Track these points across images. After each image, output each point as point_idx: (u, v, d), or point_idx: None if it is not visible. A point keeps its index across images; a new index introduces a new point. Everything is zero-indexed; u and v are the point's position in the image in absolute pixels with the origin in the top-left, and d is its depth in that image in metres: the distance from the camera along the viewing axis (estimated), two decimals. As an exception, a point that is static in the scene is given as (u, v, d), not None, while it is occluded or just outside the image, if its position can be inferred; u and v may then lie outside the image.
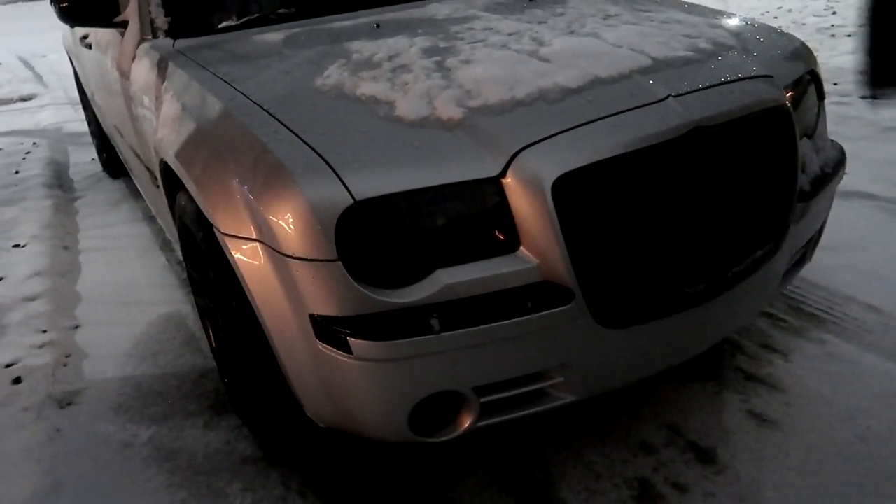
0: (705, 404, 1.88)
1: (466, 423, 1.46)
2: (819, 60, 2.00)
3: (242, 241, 1.42)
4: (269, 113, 1.50)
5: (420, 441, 1.47)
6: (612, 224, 1.40)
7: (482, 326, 1.34)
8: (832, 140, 2.01)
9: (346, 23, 2.05)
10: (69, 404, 2.08)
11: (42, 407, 2.06)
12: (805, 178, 1.75)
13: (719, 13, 2.10)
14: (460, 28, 1.87)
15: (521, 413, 1.50)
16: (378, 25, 1.98)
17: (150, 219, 3.44)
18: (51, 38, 8.76)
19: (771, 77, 1.66)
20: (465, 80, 1.52)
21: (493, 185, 1.35)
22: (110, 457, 1.86)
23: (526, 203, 1.35)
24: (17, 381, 2.17)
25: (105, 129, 3.65)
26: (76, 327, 2.51)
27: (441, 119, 1.43)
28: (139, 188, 3.12)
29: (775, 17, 6.74)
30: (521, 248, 1.38)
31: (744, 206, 1.57)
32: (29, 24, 11.13)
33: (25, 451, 1.88)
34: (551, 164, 1.34)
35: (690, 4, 2.22)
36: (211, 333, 2.03)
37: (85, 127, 4.99)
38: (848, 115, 3.83)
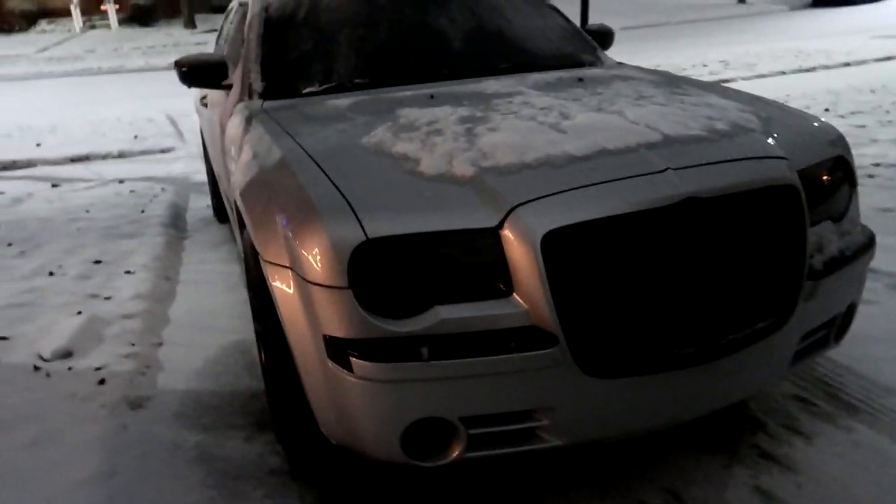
0: (712, 475, 1.89)
1: (455, 451, 1.59)
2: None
3: (279, 268, 1.66)
4: (315, 161, 1.76)
5: (411, 464, 1.60)
6: (597, 280, 1.52)
7: (467, 359, 1.49)
8: (864, 226, 2.02)
9: (408, 93, 2.32)
10: (139, 407, 2.38)
11: (116, 406, 2.36)
12: (820, 258, 1.78)
13: (760, 100, 2.19)
14: (501, 101, 2.09)
15: (508, 450, 1.61)
16: (432, 97, 2.23)
17: (241, 259, 3.83)
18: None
19: (784, 159, 1.73)
20: (484, 145, 1.72)
21: (492, 235, 1.52)
22: (161, 455, 2.11)
23: (519, 254, 1.50)
24: (102, 382, 2.50)
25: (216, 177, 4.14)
26: (160, 344, 2.85)
27: (455, 175, 1.62)
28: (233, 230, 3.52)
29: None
30: (514, 294, 1.53)
31: (743, 277, 1.64)
32: (183, 88, 12.54)
33: (95, 440, 2.17)
34: (542, 220, 1.49)
35: (736, 91, 2.32)
36: (262, 356, 2.27)
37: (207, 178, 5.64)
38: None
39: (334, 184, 1.64)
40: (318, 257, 1.53)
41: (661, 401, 1.63)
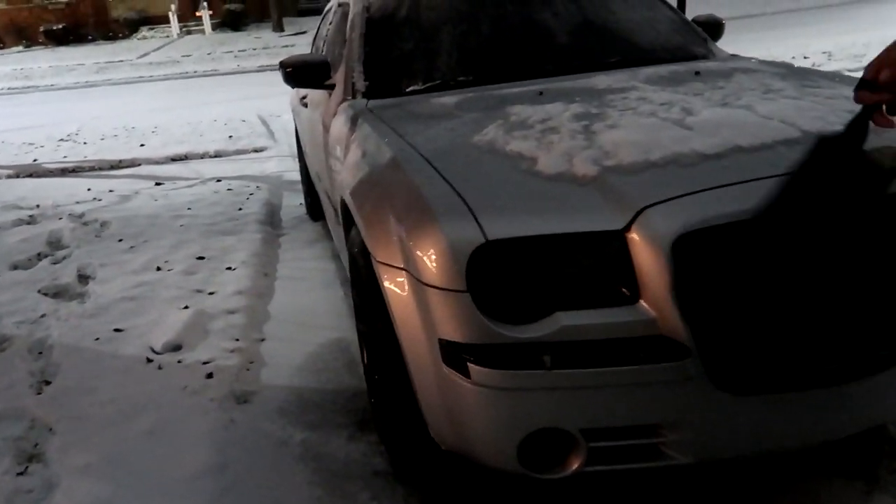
0: (849, 501, 1.74)
1: (574, 465, 1.52)
2: None
3: (392, 269, 1.63)
4: (427, 161, 1.73)
5: (528, 474, 1.54)
6: (732, 289, 1.41)
7: (592, 369, 1.41)
8: None
9: (515, 90, 2.26)
10: (245, 402, 2.42)
11: (224, 400, 2.41)
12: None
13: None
14: (616, 97, 2.00)
15: (630, 466, 1.52)
16: (542, 93, 2.16)
17: (336, 257, 3.87)
18: (287, 101, 10.22)
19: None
20: (605, 142, 1.64)
21: (618, 238, 1.44)
22: (269, 450, 2.14)
23: (647, 259, 1.41)
24: (210, 375, 2.57)
25: (311, 176, 4.21)
26: (262, 340, 2.91)
27: (576, 175, 1.55)
28: (330, 229, 3.56)
29: None
30: (641, 300, 1.44)
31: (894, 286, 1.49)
32: (273, 89, 12.97)
33: (206, 433, 2.23)
34: (674, 222, 1.40)
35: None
36: (364, 355, 2.27)
37: (299, 176, 5.77)
38: None
39: (450, 184, 1.60)
40: (435, 259, 1.49)
41: (798, 421, 1.50)
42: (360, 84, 2.52)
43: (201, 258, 3.85)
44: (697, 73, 2.28)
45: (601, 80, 2.25)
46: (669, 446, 1.50)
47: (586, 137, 1.68)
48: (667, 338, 1.42)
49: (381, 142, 1.95)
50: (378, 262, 1.69)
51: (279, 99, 11.42)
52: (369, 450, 2.12)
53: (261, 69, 17.06)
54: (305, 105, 3.37)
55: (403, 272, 1.60)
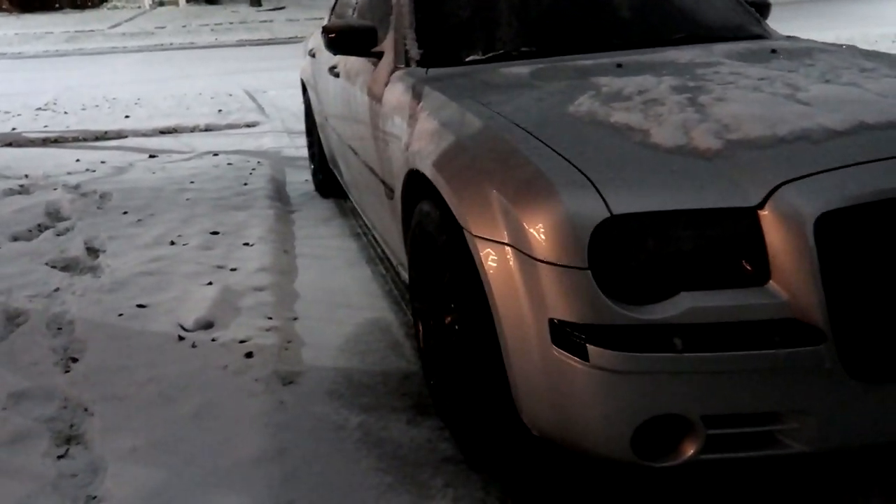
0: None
1: (689, 452, 1.44)
2: None
3: (493, 243, 1.53)
4: (527, 131, 1.63)
5: (639, 463, 1.47)
6: (874, 271, 1.35)
7: (723, 353, 1.34)
8: None
9: (588, 62, 2.16)
10: (290, 383, 2.30)
11: (269, 380, 2.29)
12: None
13: None
14: (706, 71, 1.92)
15: (746, 454, 1.46)
16: (620, 65, 2.07)
17: (357, 235, 3.75)
18: (271, 77, 9.96)
19: None
20: (721, 116, 1.55)
21: (750, 215, 1.36)
22: (327, 434, 2.03)
23: (782, 238, 1.34)
24: (249, 355, 2.44)
25: (328, 152, 4.06)
26: (295, 319, 2.78)
27: (698, 149, 1.47)
28: (358, 205, 3.43)
29: None
30: (771, 281, 1.37)
31: None
32: (255, 64, 12.59)
33: (257, 415, 2.10)
34: (816, 200, 1.33)
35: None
36: (421, 336, 2.17)
37: (299, 152, 5.57)
38: None
39: (561, 154, 1.50)
40: (552, 234, 1.40)
41: (923, 409, 1.45)
42: (415, 52, 2.39)
43: (215, 233, 3.68)
44: (774, 51, 2.21)
45: (679, 54, 2.16)
46: (789, 434, 1.44)
47: (697, 110, 1.60)
48: (800, 322, 1.35)
49: (464, 111, 1.84)
50: (474, 235, 1.58)
51: (264, 74, 11.19)
52: (433, 435, 2.02)
53: (240, 44, 16.61)
54: (336, 75, 3.21)
55: (507, 247, 1.50)
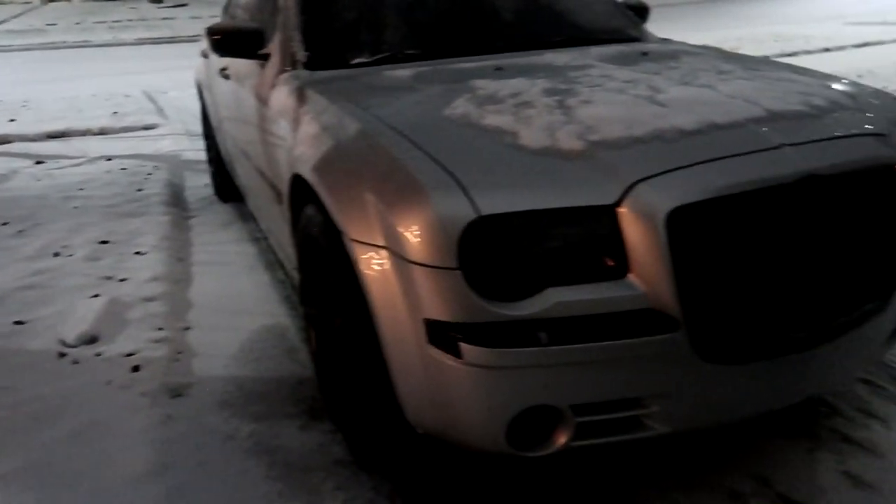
0: (797, 460, 1.85)
1: (561, 440, 1.51)
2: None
3: (369, 247, 1.54)
4: (402, 135, 1.65)
5: (515, 454, 1.52)
6: (721, 262, 1.45)
7: (586, 344, 1.41)
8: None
9: (469, 65, 2.21)
10: (179, 395, 2.24)
11: (156, 394, 2.22)
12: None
13: (833, 77, 2.14)
14: (578, 74, 2.00)
15: (614, 438, 1.54)
16: (500, 69, 2.12)
17: (256, 240, 3.68)
18: (172, 77, 9.59)
19: (885, 136, 1.68)
20: (584, 118, 1.62)
21: (608, 212, 1.43)
22: (215, 445, 1.99)
23: (638, 232, 1.42)
24: (136, 368, 2.35)
25: (225, 155, 3.96)
26: (187, 328, 2.70)
27: (562, 149, 1.53)
28: (253, 209, 3.36)
29: None
30: (630, 275, 1.44)
31: (852, 259, 1.58)
32: (154, 63, 12.12)
33: (141, 431, 2.04)
34: (667, 196, 1.41)
35: (803, 68, 2.27)
36: (314, 340, 2.16)
37: (199, 156, 5.39)
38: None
39: (433, 158, 1.53)
40: (424, 236, 1.42)
41: (770, 386, 1.57)
42: (301, 54, 2.37)
43: (105, 242, 3.53)
44: (644, 53, 2.33)
45: (556, 57, 2.24)
46: (651, 417, 1.52)
47: (564, 112, 1.66)
48: (655, 311, 1.43)
49: (343, 115, 1.84)
50: (352, 240, 1.59)
51: (164, 74, 10.76)
52: (325, 439, 2.02)
53: (139, 42, 15.93)
54: (227, 77, 3.14)
55: (383, 250, 1.51)
